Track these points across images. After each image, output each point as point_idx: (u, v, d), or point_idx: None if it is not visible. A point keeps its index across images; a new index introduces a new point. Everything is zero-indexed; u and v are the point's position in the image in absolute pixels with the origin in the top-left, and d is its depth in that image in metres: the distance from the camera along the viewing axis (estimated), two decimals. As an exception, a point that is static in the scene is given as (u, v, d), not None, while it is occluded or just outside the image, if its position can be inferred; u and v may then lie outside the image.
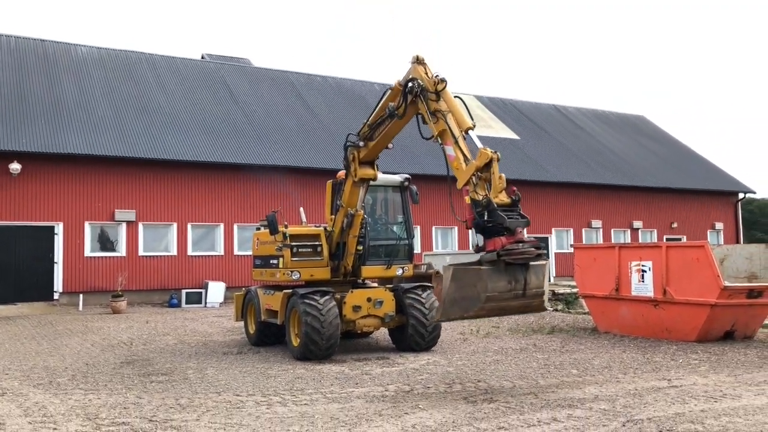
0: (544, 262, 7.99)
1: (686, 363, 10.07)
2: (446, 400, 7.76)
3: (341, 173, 11.67)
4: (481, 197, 7.84)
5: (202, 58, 31.67)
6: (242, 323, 13.27)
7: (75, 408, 7.49)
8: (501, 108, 35.87)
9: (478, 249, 8.02)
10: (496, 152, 7.97)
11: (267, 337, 12.24)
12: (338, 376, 9.26)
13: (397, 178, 12.02)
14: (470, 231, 8.20)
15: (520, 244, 7.63)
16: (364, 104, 30.89)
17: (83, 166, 21.64)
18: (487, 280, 7.53)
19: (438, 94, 8.70)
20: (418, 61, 9.13)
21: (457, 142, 8.33)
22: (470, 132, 8.48)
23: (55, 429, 6.58)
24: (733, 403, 7.44)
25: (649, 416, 6.83)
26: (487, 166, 7.91)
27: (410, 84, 9.06)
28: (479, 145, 8.20)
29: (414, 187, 11.96)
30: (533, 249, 7.67)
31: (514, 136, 32.72)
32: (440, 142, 8.63)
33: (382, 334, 13.14)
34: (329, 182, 12.14)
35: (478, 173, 7.98)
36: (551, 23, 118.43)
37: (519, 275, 7.69)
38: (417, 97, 8.94)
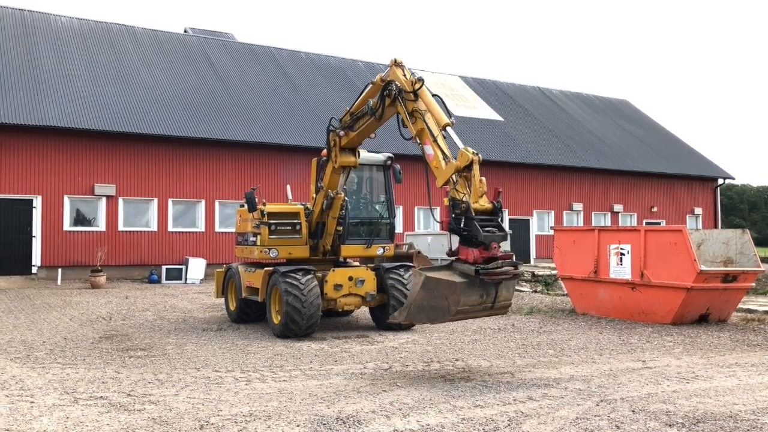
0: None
1: (661, 345, 10.25)
2: (424, 378, 7.84)
3: (326, 151, 11.62)
4: (461, 197, 7.56)
5: (185, 32, 31.22)
6: (222, 300, 13.26)
7: (53, 382, 7.46)
8: (485, 89, 35.81)
9: (451, 253, 7.76)
10: (477, 153, 7.73)
11: (247, 314, 12.24)
12: (318, 354, 9.30)
13: (381, 157, 11.98)
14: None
15: (499, 262, 7.36)
16: (348, 82, 30.72)
17: (63, 139, 21.36)
18: (460, 294, 7.30)
19: (416, 94, 8.56)
20: (396, 63, 9.02)
21: (435, 140, 8.12)
22: (450, 130, 8.21)
23: (32, 403, 6.56)
24: (705, 384, 7.59)
25: (623, 396, 6.96)
26: (468, 167, 7.67)
27: (388, 87, 8.95)
28: (460, 144, 7.97)
29: (397, 166, 11.95)
30: (511, 268, 7.44)
31: (498, 117, 32.72)
32: (419, 142, 8.44)
33: (363, 313, 13.21)
34: (314, 159, 12.08)
35: (458, 173, 7.74)
36: (541, 5, 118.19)
37: (491, 290, 7.50)
38: (395, 100, 8.83)
